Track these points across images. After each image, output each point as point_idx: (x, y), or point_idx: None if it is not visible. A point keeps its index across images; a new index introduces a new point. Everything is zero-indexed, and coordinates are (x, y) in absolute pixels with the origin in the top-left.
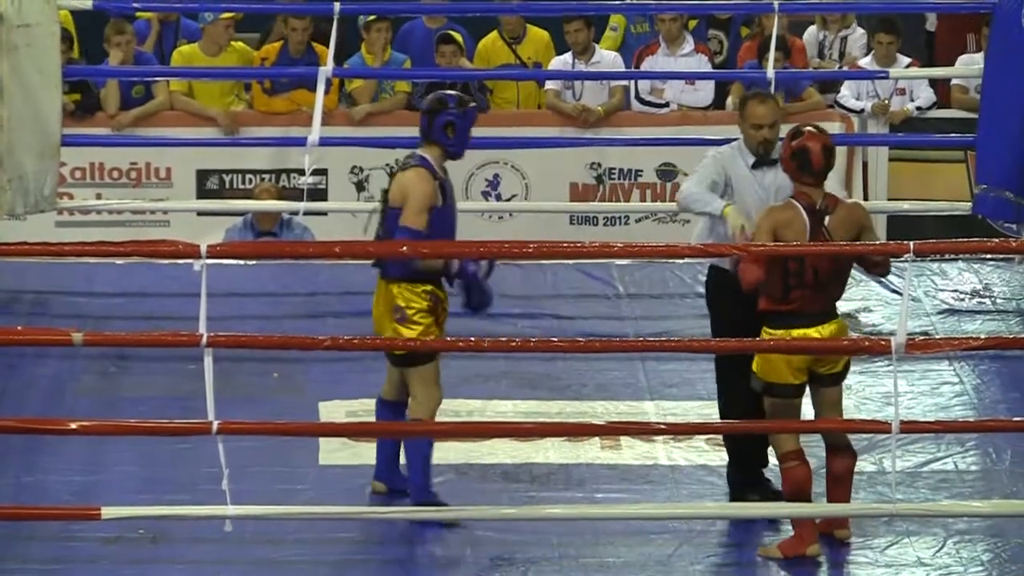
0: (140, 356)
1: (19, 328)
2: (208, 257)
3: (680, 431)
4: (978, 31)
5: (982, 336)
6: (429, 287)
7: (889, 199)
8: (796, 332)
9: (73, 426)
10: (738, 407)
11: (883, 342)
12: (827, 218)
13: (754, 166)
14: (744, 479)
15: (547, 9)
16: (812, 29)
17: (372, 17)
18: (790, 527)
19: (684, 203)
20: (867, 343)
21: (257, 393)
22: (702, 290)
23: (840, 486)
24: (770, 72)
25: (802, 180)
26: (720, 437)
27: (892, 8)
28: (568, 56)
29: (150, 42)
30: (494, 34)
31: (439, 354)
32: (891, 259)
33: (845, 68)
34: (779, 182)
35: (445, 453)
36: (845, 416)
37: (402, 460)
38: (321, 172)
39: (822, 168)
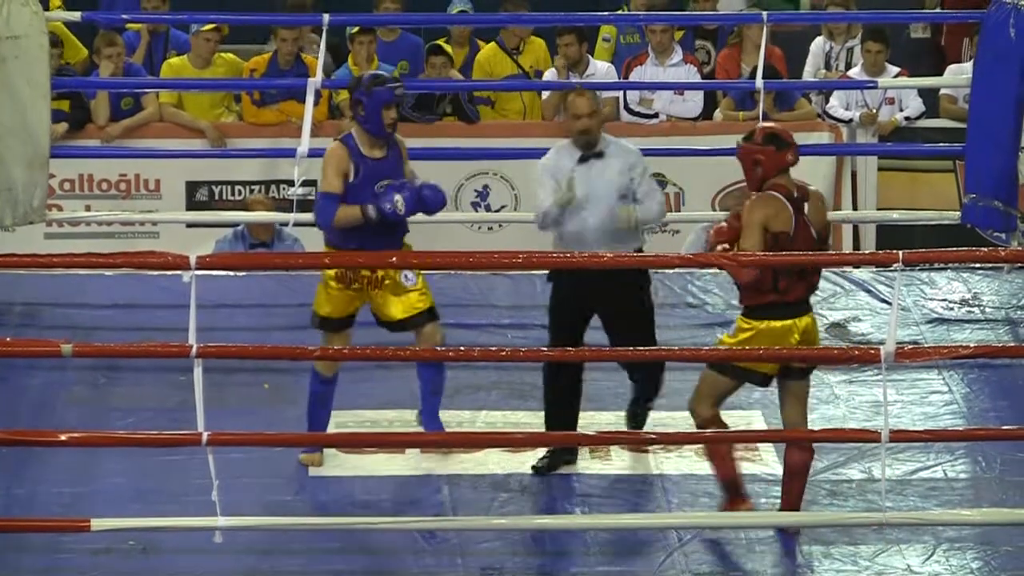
0: (130, 367)
1: (8, 339)
2: (197, 268)
3: (670, 441)
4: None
5: (971, 345)
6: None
7: (878, 209)
8: (777, 324)
9: (63, 437)
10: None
11: (872, 351)
12: (805, 205)
13: (581, 160)
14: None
15: (536, 20)
16: (819, 40)
17: (356, 29)
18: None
19: (546, 222)
20: (856, 352)
21: (247, 404)
22: (692, 300)
23: (796, 480)
24: (759, 82)
25: (783, 162)
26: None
27: (880, 18)
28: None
29: (139, 53)
30: (493, 45)
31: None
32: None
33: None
34: (605, 174)
35: (435, 464)
36: (834, 425)
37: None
38: (310, 183)
39: (792, 140)
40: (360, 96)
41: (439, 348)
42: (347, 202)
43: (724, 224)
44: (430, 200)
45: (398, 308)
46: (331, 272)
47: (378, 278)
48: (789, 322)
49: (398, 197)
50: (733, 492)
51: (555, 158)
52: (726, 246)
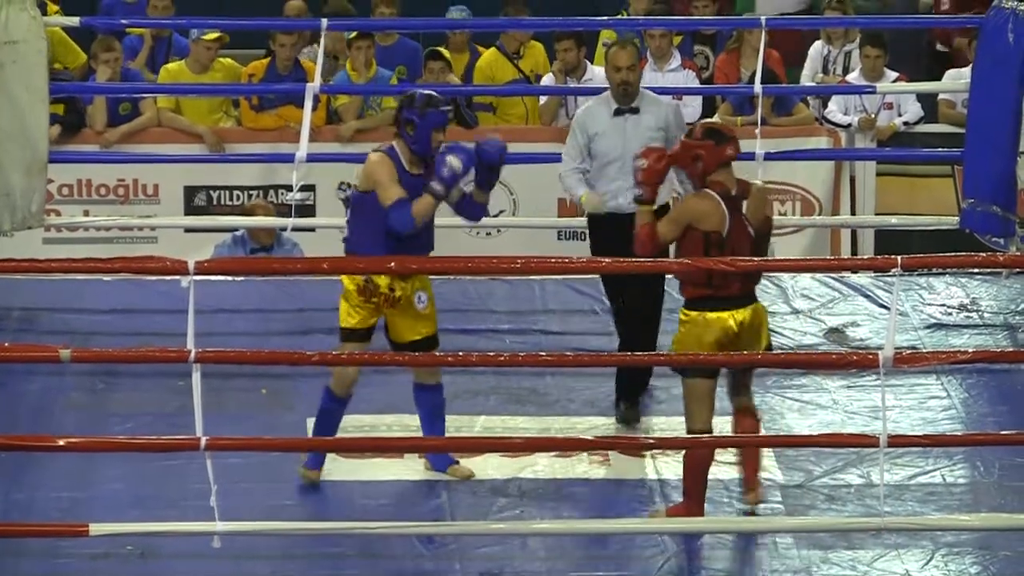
0: (128, 372)
1: (6, 345)
2: (196, 273)
3: (668, 445)
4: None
5: (969, 350)
6: None
7: (876, 213)
8: (711, 315)
9: (61, 443)
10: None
11: (871, 356)
12: (744, 203)
13: (616, 112)
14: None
15: (534, 25)
16: (817, 44)
17: (353, 34)
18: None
19: (562, 184)
20: (855, 357)
21: (246, 409)
22: None
23: (748, 447)
24: (757, 87)
25: (723, 156)
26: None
27: (879, 23)
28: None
29: (141, 58)
30: (493, 50)
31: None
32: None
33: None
34: (640, 128)
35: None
36: (833, 430)
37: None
38: (309, 188)
39: (733, 134)
40: (412, 116)
41: (438, 353)
42: (377, 221)
43: (654, 153)
44: (487, 153)
45: (406, 330)
46: (351, 286)
47: (395, 297)
48: (726, 314)
49: (450, 159)
50: (696, 499)
51: (587, 113)
52: (640, 190)
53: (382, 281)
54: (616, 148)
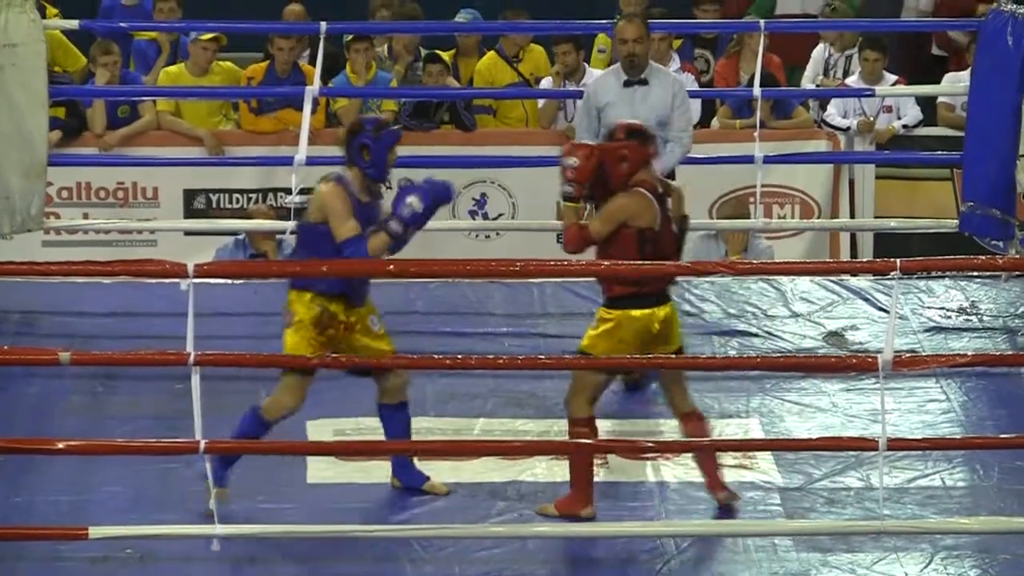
0: (127, 375)
1: (5, 347)
2: (195, 276)
3: (667, 449)
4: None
5: (969, 353)
6: (318, 298)
7: (876, 217)
8: (636, 313)
9: (60, 446)
10: None
11: (870, 359)
12: (668, 200)
13: (625, 84)
14: None
15: (533, 28)
16: (820, 47)
17: (351, 37)
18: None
19: None
20: (854, 360)
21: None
22: (689, 308)
23: (702, 450)
24: (756, 90)
25: (646, 155)
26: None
27: (878, 27)
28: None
29: (161, 62)
30: (493, 53)
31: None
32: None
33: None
34: (649, 99)
35: (433, 472)
36: (832, 434)
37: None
38: (308, 191)
39: (653, 134)
40: (367, 140)
41: (436, 356)
42: (328, 253)
43: (583, 149)
44: (442, 192)
45: (374, 352)
46: (307, 318)
47: (351, 323)
48: (648, 311)
49: (411, 199)
50: (582, 490)
51: (597, 83)
52: (571, 188)
53: (338, 309)
54: (625, 118)
